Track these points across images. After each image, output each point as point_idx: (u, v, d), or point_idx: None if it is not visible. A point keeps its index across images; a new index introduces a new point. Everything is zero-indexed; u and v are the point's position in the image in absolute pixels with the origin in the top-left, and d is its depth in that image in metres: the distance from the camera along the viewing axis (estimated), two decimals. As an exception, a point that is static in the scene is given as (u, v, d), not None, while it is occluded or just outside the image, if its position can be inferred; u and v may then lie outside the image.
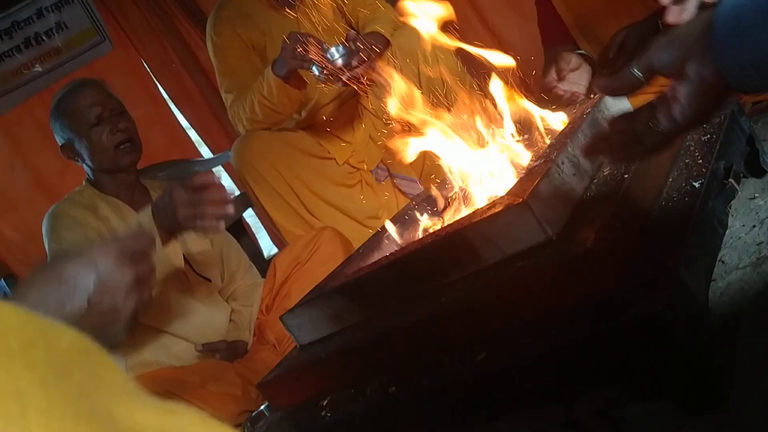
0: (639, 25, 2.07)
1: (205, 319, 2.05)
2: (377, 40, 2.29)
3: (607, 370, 0.87)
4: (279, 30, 2.46)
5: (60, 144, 2.10)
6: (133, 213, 2.06)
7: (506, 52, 3.34)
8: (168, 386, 1.73)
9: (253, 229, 3.99)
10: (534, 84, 2.28)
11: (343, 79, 2.11)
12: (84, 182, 2.13)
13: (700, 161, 1.14)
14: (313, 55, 2.07)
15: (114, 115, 2.05)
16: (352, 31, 2.12)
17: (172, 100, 4.01)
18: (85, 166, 2.10)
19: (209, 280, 2.11)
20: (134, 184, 2.14)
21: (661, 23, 2.02)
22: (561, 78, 2.04)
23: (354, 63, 2.07)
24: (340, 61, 2.06)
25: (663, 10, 2.05)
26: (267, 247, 4.08)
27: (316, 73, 2.09)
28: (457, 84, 2.14)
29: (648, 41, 2.04)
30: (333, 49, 2.06)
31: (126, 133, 2.04)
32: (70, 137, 2.05)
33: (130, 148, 2.06)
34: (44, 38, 3.80)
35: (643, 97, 1.86)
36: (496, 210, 1.00)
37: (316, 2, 2.48)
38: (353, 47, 2.08)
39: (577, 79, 2.04)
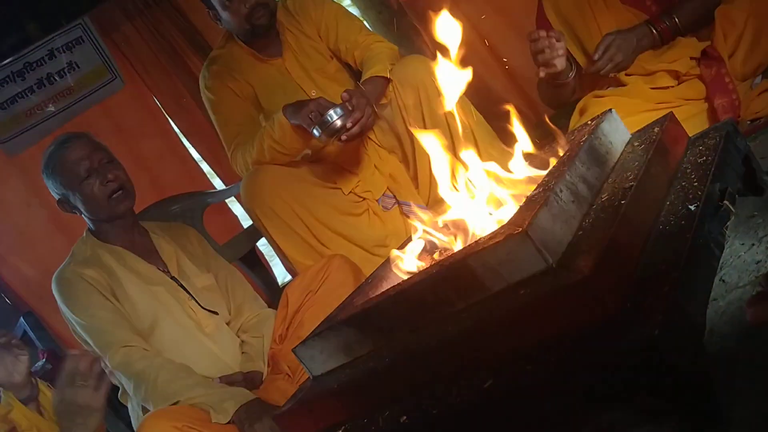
0: (627, 30, 2.09)
1: (214, 353, 2.09)
2: (374, 87, 2.35)
3: (611, 394, 0.89)
4: (267, 78, 2.55)
5: (56, 199, 2.14)
6: (133, 257, 2.12)
7: (510, 74, 3.38)
8: (187, 421, 1.76)
9: (267, 257, 4.03)
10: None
11: (342, 139, 2.18)
12: (85, 232, 2.18)
13: (696, 184, 1.16)
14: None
15: (102, 165, 2.08)
16: (345, 91, 2.19)
17: (184, 134, 4.08)
18: (83, 216, 2.15)
19: (216, 313, 2.15)
20: (132, 227, 2.19)
21: (656, 30, 2.06)
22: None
23: (349, 125, 2.15)
24: (338, 123, 2.14)
25: (654, 18, 2.09)
26: (281, 275, 4.12)
27: (317, 134, 2.17)
28: (460, 112, 2.19)
29: (639, 41, 2.08)
30: (331, 111, 2.14)
31: (117, 182, 2.08)
32: (64, 193, 2.10)
33: (123, 195, 2.10)
34: (56, 78, 3.89)
35: (644, 115, 1.90)
36: (498, 240, 1.04)
37: (302, 49, 2.56)
38: (350, 107, 2.15)
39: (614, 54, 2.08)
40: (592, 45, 2.18)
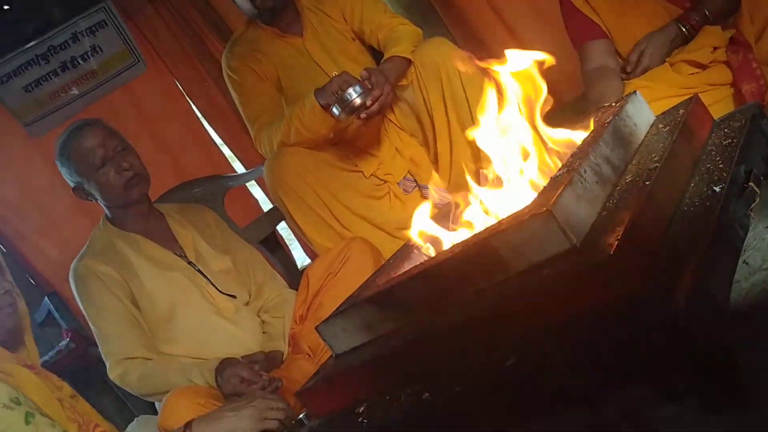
0: (658, 34, 2.09)
1: (234, 335, 2.11)
2: (394, 66, 2.35)
3: (634, 372, 0.90)
4: (288, 58, 2.56)
5: (72, 186, 2.15)
6: (149, 243, 2.14)
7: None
8: (209, 398, 1.79)
9: (286, 240, 4.06)
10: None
11: (361, 117, 2.18)
12: (102, 219, 2.20)
13: (721, 166, 1.16)
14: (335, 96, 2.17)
15: (117, 153, 2.08)
16: (365, 69, 2.19)
17: (205, 118, 4.10)
18: (99, 203, 2.16)
19: (234, 297, 2.17)
20: (148, 212, 2.20)
21: (686, 29, 2.05)
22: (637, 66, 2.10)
23: (368, 103, 2.15)
24: (357, 101, 2.14)
25: (685, 16, 2.08)
26: (300, 258, 4.15)
27: (336, 113, 2.18)
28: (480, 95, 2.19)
29: (671, 45, 2.06)
30: (350, 90, 2.14)
31: (132, 169, 2.09)
32: (79, 180, 2.11)
33: (138, 180, 2.10)
34: (80, 62, 3.91)
35: (670, 100, 1.88)
36: (522, 219, 1.04)
37: (324, 29, 2.56)
38: (370, 85, 2.16)
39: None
40: (622, 40, 2.18)
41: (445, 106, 2.34)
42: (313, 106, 2.29)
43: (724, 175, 1.12)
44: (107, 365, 2.01)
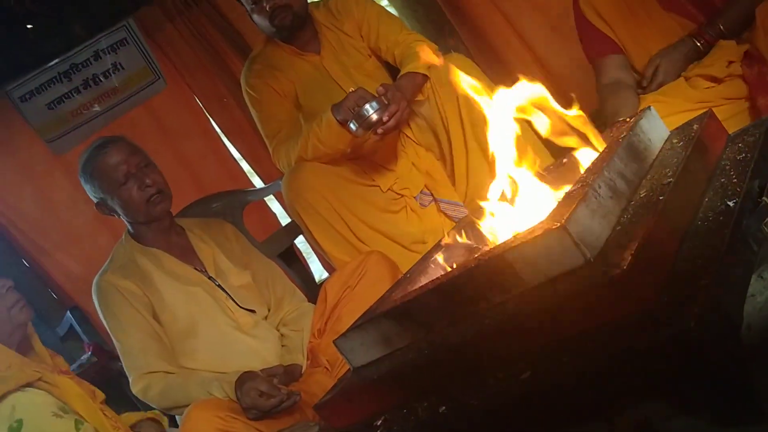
0: (673, 49, 2.10)
1: (254, 350, 2.13)
2: (410, 82, 2.38)
3: (647, 387, 0.91)
4: (306, 75, 2.59)
5: (95, 202, 2.18)
6: (170, 259, 2.17)
7: (547, 72, 3.36)
8: (229, 411, 1.81)
9: (304, 254, 4.08)
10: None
11: (378, 132, 2.20)
12: (124, 234, 2.23)
13: (735, 180, 1.17)
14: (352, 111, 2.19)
15: (140, 169, 2.11)
16: (381, 85, 2.21)
17: (224, 133, 4.15)
18: (122, 218, 2.19)
19: (253, 311, 2.19)
20: (170, 228, 2.22)
21: (700, 44, 2.05)
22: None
23: (384, 118, 2.17)
24: (374, 117, 2.16)
25: (699, 31, 2.08)
26: (317, 271, 4.17)
27: (353, 128, 2.19)
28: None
29: (686, 60, 2.07)
30: (367, 106, 2.16)
31: (154, 186, 2.11)
32: (103, 196, 2.14)
33: (160, 198, 2.13)
34: (102, 79, 3.98)
35: (684, 115, 1.89)
36: (536, 234, 1.05)
37: (341, 46, 2.59)
38: (386, 101, 2.18)
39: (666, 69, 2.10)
40: (636, 55, 2.19)
41: (462, 121, 2.35)
42: (329, 122, 2.31)
43: (738, 189, 1.13)
44: (130, 379, 2.04)
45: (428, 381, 1.16)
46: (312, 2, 2.68)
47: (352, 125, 2.19)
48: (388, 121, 2.19)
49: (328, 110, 2.32)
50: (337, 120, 2.29)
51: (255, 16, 2.55)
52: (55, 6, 3.74)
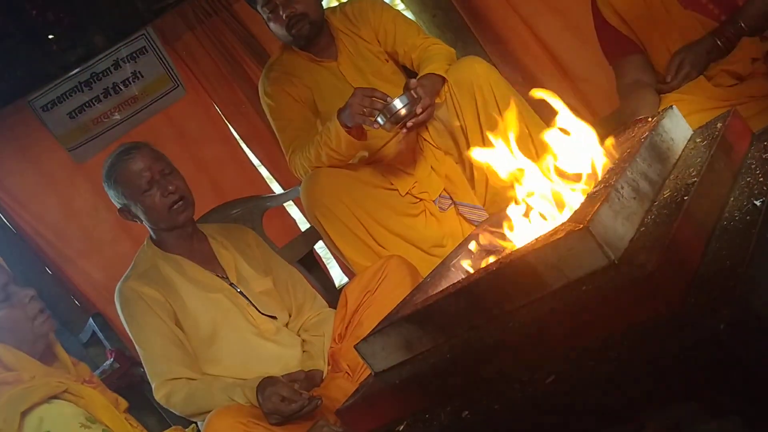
0: (695, 45, 2.07)
1: (276, 356, 2.13)
2: (433, 81, 2.37)
3: (676, 390, 0.89)
4: (323, 81, 2.60)
5: (118, 208, 2.20)
6: (192, 265, 2.17)
7: (565, 73, 3.34)
8: (250, 417, 1.81)
9: (324, 259, 4.08)
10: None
11: (407, 126, 2.19)
12: (146, 241, 2.24)
13: (761, 179, 1.15)
14: (378, 107, 2.17)
15: (164, 177, 2.13)
16: (411, 79, 2.21)
17: (243, 140, 4.17)
18: (145, 224, 2.20)
19: (274, 317, 2.19)
20: (192, 235, 2.24)
21: (720, 42, 2.03)
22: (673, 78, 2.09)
23: (418, 111, 2.17)
24: (404, 111, 2.14)
25: (719, 29, 2.06)
26: (337, 276, 4.17)
27: (381, 122, 2.17)
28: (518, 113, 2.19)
29: (708, 57, 2.04)
30: (397, 100, 2.15)
31: (177, 192, 2.13)
32: (126, 203, 2.15)
33: (183, 205, 2.14)
34: (122, 87, 4.01)
35: (708, 113, 1.86)
36: (559, 236, 1.04)
37: (358, 52, 2.59)
38: (415, 95, 2.17)
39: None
40: (656, 54, 2.16)
41: (480, 124, 2.34)
42: (337, 131, 2.32)
43: (765, 188, 1.11)
44: (153, 386, 2.05)
45: (451, 385, 1.15)
46: (328, 8, 2.69)
47: (380, 119, 2.17)
48: (420, 113, 2.18)
49: (334, 118, 2.32)
50: (348, 127, 2.29)
51: (272, 25, 2.55)
52: (75, 17, 3.79)
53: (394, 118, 2.16)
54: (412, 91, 2.18)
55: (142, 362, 2.10)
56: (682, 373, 0.86)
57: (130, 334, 2.13)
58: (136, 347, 2.11)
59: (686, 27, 2.13)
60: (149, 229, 2.22)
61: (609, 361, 0.94)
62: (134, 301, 2.10)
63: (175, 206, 2.12)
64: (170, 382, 2.01)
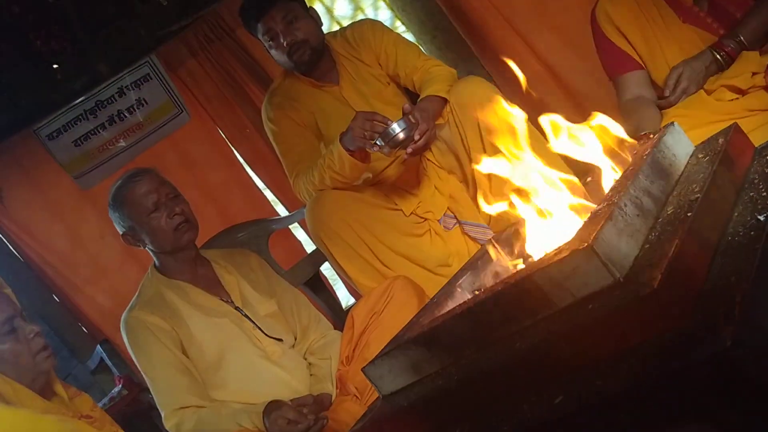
0: (694, 59, 2.08)
1: (283, 379, 2.13)
2: (433, 104, 2.39)
3: (683, 408, 0.88)
4: (326, 106, 2.62)
5: (121, 233, 2.22)
6: (196, 291, 2.18)
7: (566, 90, 3.35)
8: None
9: (330, 281, 4.08)
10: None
11: (407, 152, 2.21)
12: (150, 268, 2.25)
13: (765, 194, 1.15)
14: (378, 130, 2.19)
15: (169, 200, 2.17)
16: (406, 105, 2.23)
17: (248, 163, 4.19)
18: (147, 249, 2.22)
19: (281, 340, 2.19)
20: (195, 259, 2.25)
21: (720, 56, 2.04)
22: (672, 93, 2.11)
23: (416, 137, 2.18)
24: (402, 135, 2.16)
25: (719, 43, 2.07)
26: (344, 298, 4.17)
27: (380, 145, 2.19)
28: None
29: (707, 71, 2.05)
30: (395, 125, 2.16)
31: (182, 215, 2.17)
32: (131, 225, 2.17)
33: (187, 227, 2.17)
34: (126, 115, 4.05)
35: (709, 127, 1.87)
36: (563, 255, 1.04)
37: (360, 75, 2.61)
38: (413, 120, 2.18)
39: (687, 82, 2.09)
40: (656, 69, 2.17)
41: (483, 143, 2.35)
42: (340, 155, 2.34)
43: (768, 203, 1.11)
44: (162, 415, 2.04)
45: (459, 407, 1.15)
46: (329, 33, 2.71)
47: (378, 142, 2.19)
48: (419, 139, 2.19)
49: (337, 142, 2.34)
50: (350, 150, 2.30)
51: (273, 52, 2.58)
52: (79, 45, 3.83)
53: (392, 142, 2.18)
54: (409, 116, 2.19)
55: (151, 392, 2.10)
56: (688, 391, 0.86)
57: (137, 364, 2.13)
58: (144, 377, 2.11)
59: (686, 41, 2.14)
60: (152, 255, 2.24)
61: (616, 380, 0.93)
62: (140, 331, 2.10)
63: (180, 226, 2.15)
64: (179, 411, 2.01)
